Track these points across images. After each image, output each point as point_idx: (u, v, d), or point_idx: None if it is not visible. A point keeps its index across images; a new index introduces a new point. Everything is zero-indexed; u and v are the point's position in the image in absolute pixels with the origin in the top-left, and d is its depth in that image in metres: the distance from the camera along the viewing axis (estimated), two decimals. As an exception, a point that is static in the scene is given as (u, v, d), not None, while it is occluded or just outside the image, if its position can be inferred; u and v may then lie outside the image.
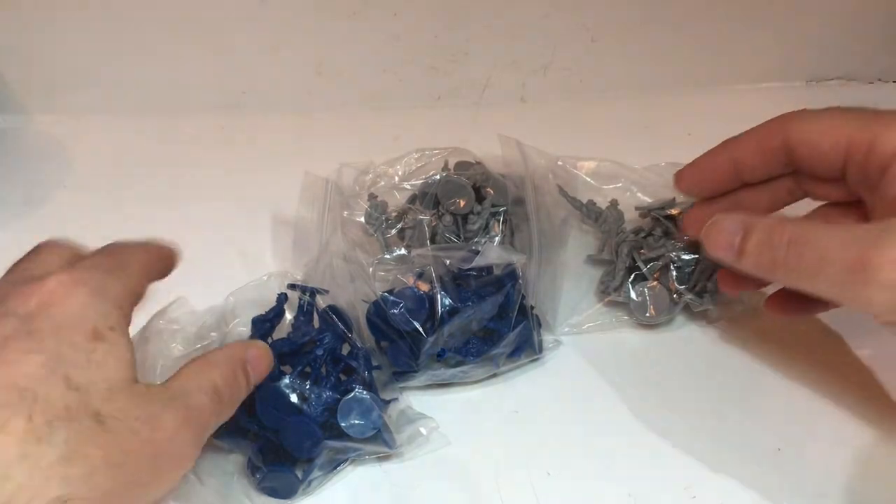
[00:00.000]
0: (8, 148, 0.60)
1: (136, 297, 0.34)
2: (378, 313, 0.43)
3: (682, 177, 0.42)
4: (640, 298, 0.47)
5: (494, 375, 0.45)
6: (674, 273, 0.47)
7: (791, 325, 0.47)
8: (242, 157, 0.59)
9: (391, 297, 0.43)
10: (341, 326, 0.43)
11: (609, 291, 0.48)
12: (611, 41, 0.61)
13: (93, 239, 0.54)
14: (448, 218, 0.48)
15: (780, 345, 0.46)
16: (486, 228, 0.48)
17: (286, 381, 0.40)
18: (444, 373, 0.43)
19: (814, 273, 0.32)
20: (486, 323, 0.44)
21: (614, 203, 0.51)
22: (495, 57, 0.61)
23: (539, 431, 0.43)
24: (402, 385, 0.44)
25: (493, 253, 0.45)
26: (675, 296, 0.47)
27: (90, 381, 0.29)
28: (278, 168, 0.55)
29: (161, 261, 0.37)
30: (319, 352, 0.42)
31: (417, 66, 0.61)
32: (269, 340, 0.43)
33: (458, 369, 0.43)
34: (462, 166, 0.51)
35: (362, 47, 0.60)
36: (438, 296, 0.43)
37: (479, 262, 0.44)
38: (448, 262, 0.44)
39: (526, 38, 0.60)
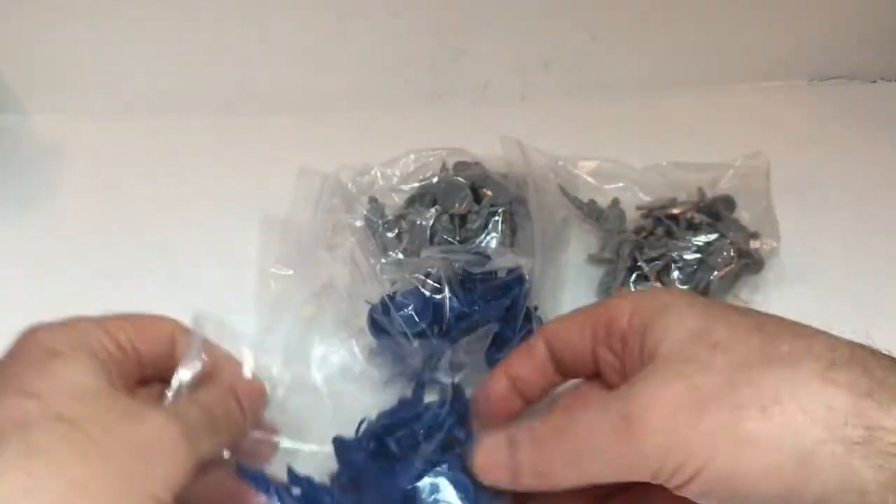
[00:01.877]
0: (6, 147, 0.60)
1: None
2: (383, 314, 0.43)
3: (475, 413, 0.39)
4: None
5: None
6: (676, 273, 0.47)
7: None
8: (242, 156, 0.59)
9: (399, 298, 0.42)
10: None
11: (610, 292, 0.48)
12: (611, 40, 0.60)
13: (91, 238, 0.55)
14: (446, 218, 0.47)
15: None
16: (485, 228, 0.47)
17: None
18: (449, 375, 0.43)
19: (586, 453, 0.30)
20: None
21: (616, 202, 0.51)
22: (495, 56, 0.61)
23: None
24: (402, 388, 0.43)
25: (504, 257, 0.45)
26: None
27: (48, 390, 0.29)
28: (278, 168, 0.55)
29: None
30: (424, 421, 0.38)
31: (417, 66, 0.61)
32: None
33: (463, 372, 0.43)
34: (460, 167, 0.51)
35: (362, 47, 0.60)
36: (447, 299, 0.42)
37: (490, 266, 0.44)
38: (456, 264, 0.44)
39: (526, 38, 0.60)
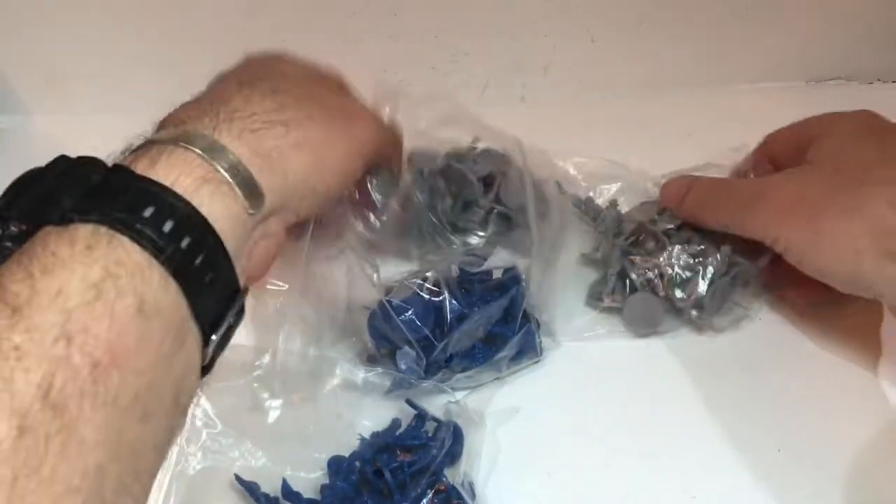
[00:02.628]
0: (7, 147, 0.60)
1: None
2: (384, 320, 0.43)
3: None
4: (631, 310, 0.47)
5: (497, 379, 0.45)
6: (667, 282, 0.46)
7: (788, 328, 0.47)
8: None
9: (399, 304, 0.42)
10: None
11: (602, 298, 0.48)
12: (611, 41, 0.61)
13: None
14: (448, 201, 0.47)
15: (777, 347, 0.46)
16: (484, 223, 0.47)
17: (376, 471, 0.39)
18: (450, 379, 0.43)
19: (723, 205, 0.45)
20: (492, 327, 0.44)
21: (613, 204, 0.51)
22: (495, 57, 0.61)
23: (538, 432, 0.43)
24: (404, 391, 0.44)
25: (498, 256, 0.45)
26: (670, 304, 0.46)
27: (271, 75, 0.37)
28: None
29: None
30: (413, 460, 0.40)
31: (417, 66, 0.61)
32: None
33: (464, 374, 0.43)
34: (485, 154, 0.50)
35: (362, 47, 0.60)
36: (446, 300, 0.42)
37: (487, 265, 0.44)
38: (453, 265, 0.44)
39: (526, 38, 0.60)
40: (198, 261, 0.28)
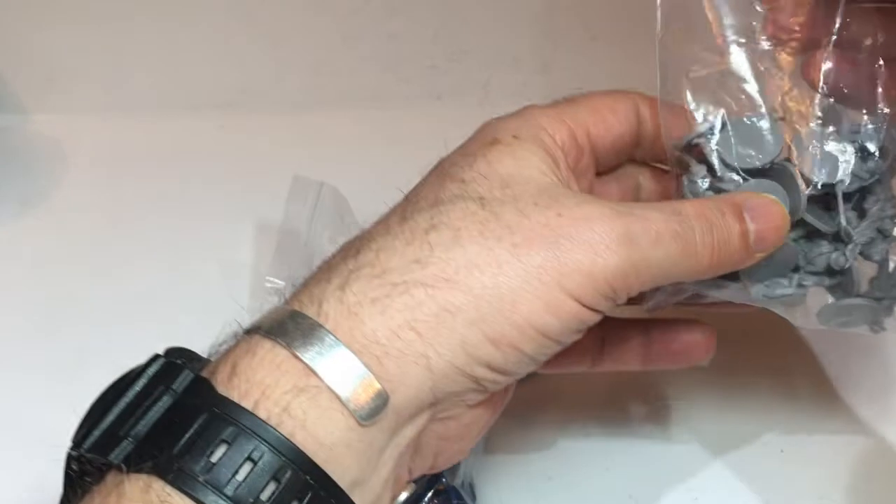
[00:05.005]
0: (5, 147, 0.60)
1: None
2: None
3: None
4: None
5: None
6: None
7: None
8: (242, 156, 0.59)
9: None
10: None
11: None
12: (611, 40, 0.60)
13: (90, 238, 0.54)
14: None
15: (782, 345, 0.46)
16: None
17: None
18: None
19: None
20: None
21: None
22: (495, 56, 0.61)
23: (539, 434, 0.43)
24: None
25: None
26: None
27: (475, 175, 0.27)
28: (278, 167, 0.55)
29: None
30: None
31: (417, 66, 0.61)
32: None
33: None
34: None
35: (362, 46, 0.60)
36: None
37: None
38: None
39: (526, 38, 0.60)
40: None
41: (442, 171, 0.28)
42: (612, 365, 0.34)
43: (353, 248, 0.26)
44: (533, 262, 0.25)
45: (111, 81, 0.60)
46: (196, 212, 0.54)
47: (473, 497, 0.39)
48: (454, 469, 0.40)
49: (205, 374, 0.24)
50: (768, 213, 0.29)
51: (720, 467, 0.41)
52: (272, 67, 0.61)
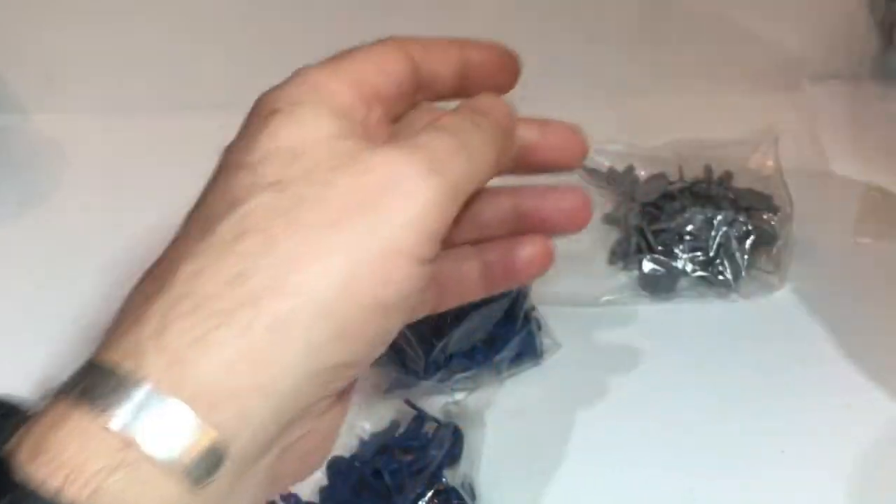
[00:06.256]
0: (6, 147, 0.60)
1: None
2: None
3: None
4: (648, 272, 0.47)
5: (497, 380, 0.45)
6: (686, 246, 0.47)
7: (798, 323, 0.47)
8: (242, 156, 0.59)
9: None
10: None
11: (616, 261, 0.48)
12: (610, 41, 0.60)
13: (90, 238, 0.54)
14: None
15: (784, 344, 0.46)
16: None
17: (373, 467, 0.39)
18: (450, 379, 0.43)
19: None
20: (492, 328, 0.43)
21: (631, 168, 0.52)
22: (495, 56, 0.61)
23: (539, 433, 0.43)
24: (403, 391, 0.43)
25: None
26: (684, 269, 0.47)
27: (260, 156, 0.25)
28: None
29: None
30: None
31: (417, 66, 0.61)
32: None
33: (464, 375, 0.43)
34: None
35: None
36: None
37: None
38: None
39: (526, 38, 0.60)
40: None
41: (228, 161, 0.26)
42: (455, 302, 0.32)
43: (159, 279, 0.23)
44: (354, 235, 0.23)
45: (111, 81, 0.60)
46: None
47: (473, 497, 0.39)
48: (454, 469, 0.40)
49: (11, 445, 0.20)
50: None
51: (720, 467, 0.41)
52: (272, 67, 0.60)
